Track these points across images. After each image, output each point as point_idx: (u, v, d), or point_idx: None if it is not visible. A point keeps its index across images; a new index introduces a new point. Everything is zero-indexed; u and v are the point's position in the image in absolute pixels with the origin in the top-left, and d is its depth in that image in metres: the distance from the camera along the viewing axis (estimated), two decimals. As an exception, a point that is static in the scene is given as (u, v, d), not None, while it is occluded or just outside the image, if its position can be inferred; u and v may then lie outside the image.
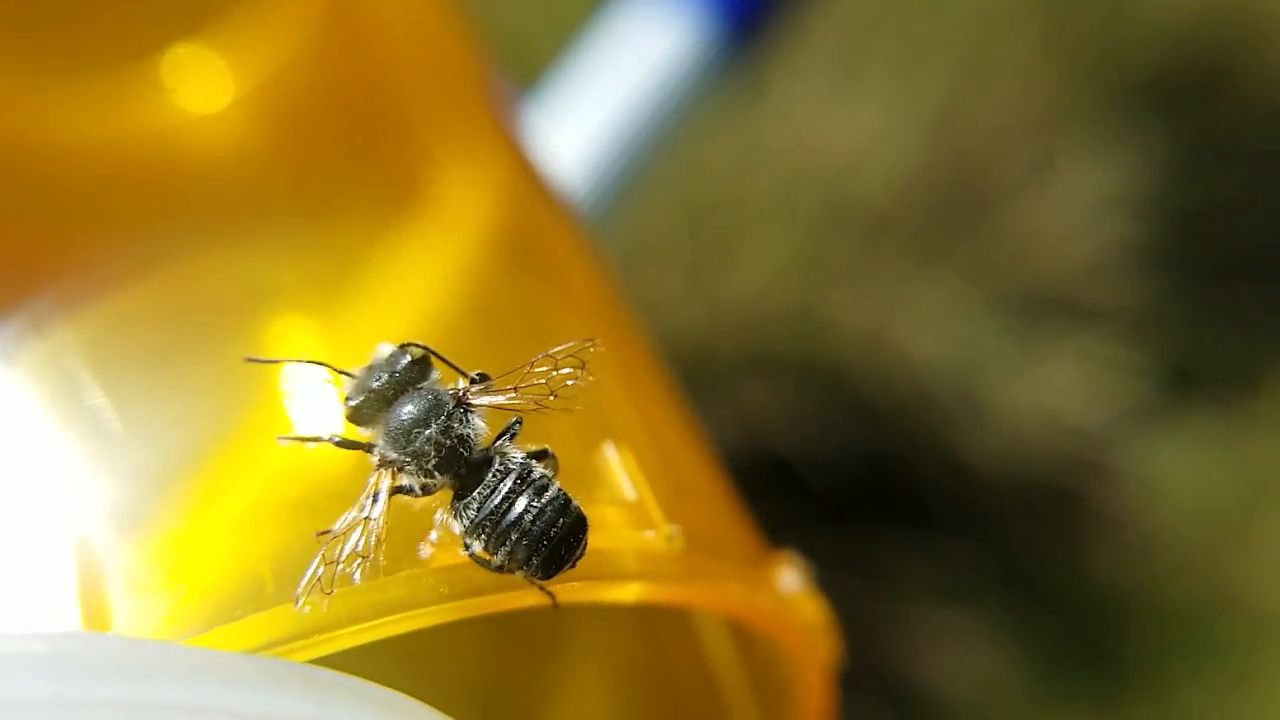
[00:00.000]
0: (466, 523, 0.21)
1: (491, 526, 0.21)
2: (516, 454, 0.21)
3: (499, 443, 0.22)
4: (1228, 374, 0.81)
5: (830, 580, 0.28)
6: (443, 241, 0.27)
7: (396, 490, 0.21)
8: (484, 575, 0.21)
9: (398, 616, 0.20)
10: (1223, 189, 0.85)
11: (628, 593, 0.22)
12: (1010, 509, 0.78)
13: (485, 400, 0.22)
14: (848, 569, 0.70)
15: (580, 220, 0.35)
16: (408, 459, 0.21)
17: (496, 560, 0.21)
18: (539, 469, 0.21)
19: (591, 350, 0.22)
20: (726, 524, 0.27)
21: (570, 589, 0.21)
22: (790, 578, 0.26)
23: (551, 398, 0.22)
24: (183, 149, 0.28)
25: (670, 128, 0.56)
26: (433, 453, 0.21)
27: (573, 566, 0.21)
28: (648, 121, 0.55)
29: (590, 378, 0.22)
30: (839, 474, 0.76)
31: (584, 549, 0.21)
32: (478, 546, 0.21)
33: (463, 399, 0.22)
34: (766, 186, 0.84)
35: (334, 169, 0.28)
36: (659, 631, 0.31)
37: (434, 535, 0.21)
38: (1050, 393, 0.79)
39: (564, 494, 0.21)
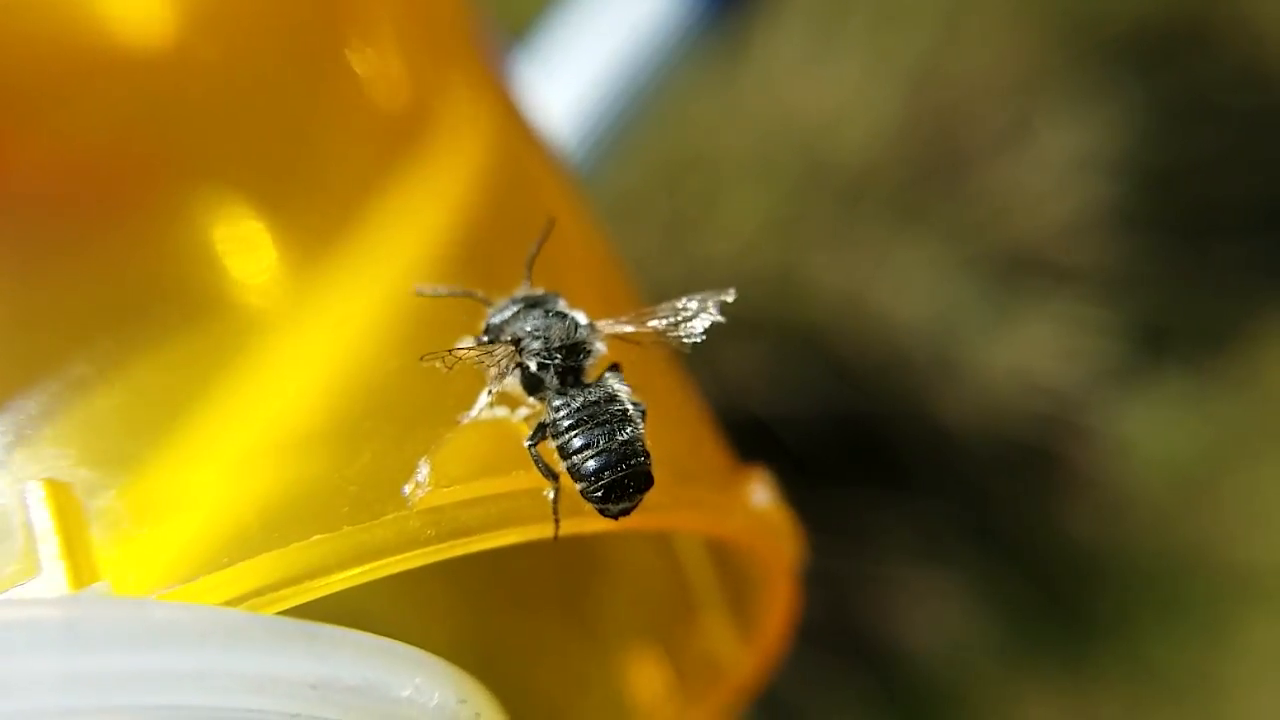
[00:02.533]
0: (560, 415, 0.22)
1: (581, 425, 0.22)
2: (624, 388, 0.23)
3: (607, 376, 0.23)
4: (1199, 333, 0.82)
5: (806, 540, 0.29)
6: (432, 192, 0.27)
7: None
8: (470, 515, 0.21)
9: (385, 560, 0.20)
10: (1198, 147, 0.85)
11: (609, 523, 0.22)
12: (985, 468, 0.78)
13: (609, 330, 0.24)
14: (823, 529, 0.71)
15: (569, 170, 0.35)
16: (537, 336, 0.23)
17: (571, 461, 0.22)
18: (635, 409, 0.23)
19: (724, 299, 0.24)
20: (699, 445, 0.28)
21: (554, 523, 0.22)
22: (760, 493, 0.27)
23: (673, 334, 0.24)
24: (109, 36, 0.26)
25: (651, 86, 0.55)
26: (557, 336, 0.23)
27: (630, 503, 0.22)
28: (629, 80, 0.55)
29: (716, 316, 0.24)
30: (816, 434, 0.76)
31: (647, 482, 0.22)
32: (553, 442, 0.22)
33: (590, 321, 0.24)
34: (745, 146, 0.83)
35: (301, 102, 0.27)
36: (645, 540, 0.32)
37: (420, 476, 0.21)
38: (1025, 353, 0.80)
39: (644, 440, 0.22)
